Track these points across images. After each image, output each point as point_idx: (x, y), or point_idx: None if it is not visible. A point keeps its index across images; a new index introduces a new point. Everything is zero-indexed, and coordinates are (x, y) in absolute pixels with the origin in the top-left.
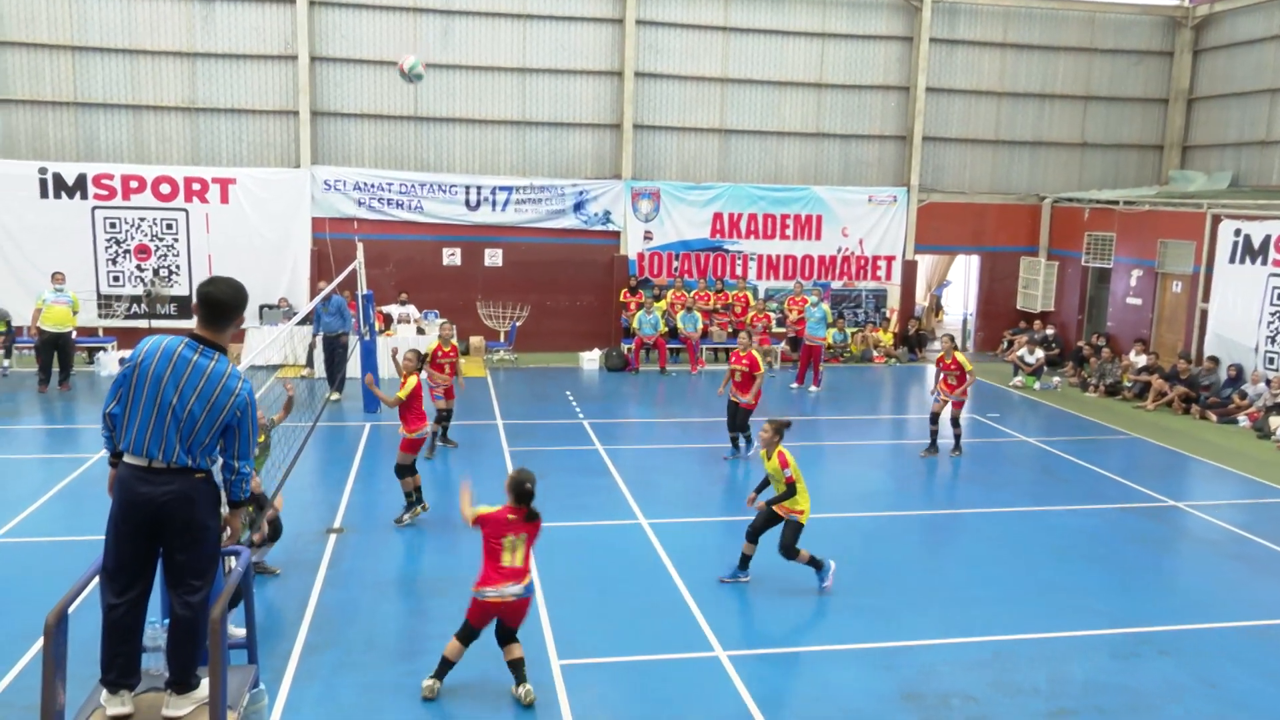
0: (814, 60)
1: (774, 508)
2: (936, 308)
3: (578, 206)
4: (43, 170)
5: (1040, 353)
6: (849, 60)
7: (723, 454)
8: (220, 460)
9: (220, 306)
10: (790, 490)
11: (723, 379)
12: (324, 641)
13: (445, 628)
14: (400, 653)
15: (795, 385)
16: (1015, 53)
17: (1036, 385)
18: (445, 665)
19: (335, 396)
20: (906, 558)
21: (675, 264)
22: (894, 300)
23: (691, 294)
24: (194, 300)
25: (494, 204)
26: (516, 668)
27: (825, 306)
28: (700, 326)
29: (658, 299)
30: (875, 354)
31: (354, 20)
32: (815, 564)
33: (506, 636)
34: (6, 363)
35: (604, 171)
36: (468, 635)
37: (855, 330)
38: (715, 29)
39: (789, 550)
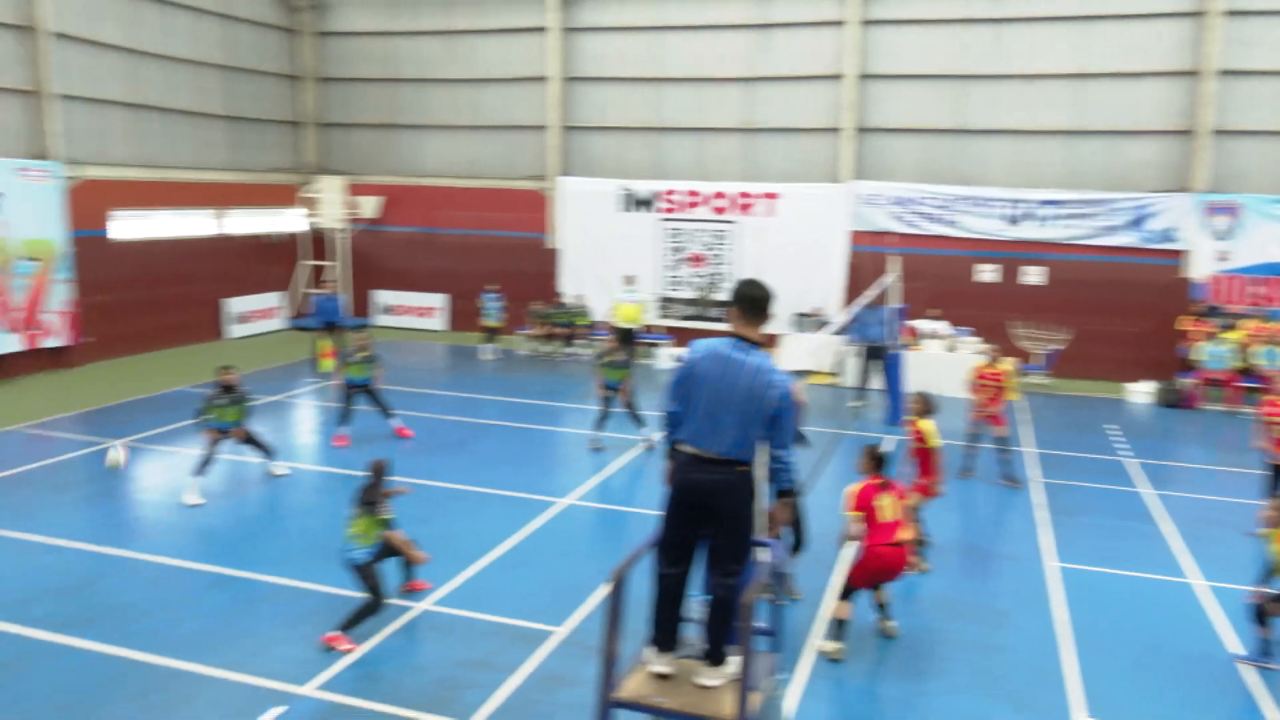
0: None
1: None
2: None
3: (1135, 222)
4: (622, 187)
5: None
6: None
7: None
8: (765, 451)
9: (756, 304)
10: None
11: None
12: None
13: (962, 653)
14: (912, 671)
15: None
16: None
17: None
18: (839, 625)
19: (858, 403)
20: None
21: (1256, 290)
22: None
23: (1276, 325)
24: (731, 301)
25: (1037, 219)
26: (885, 607)
27: None
28: None
29: (1229, 329)
30: None
31: (902, 36)
32: None
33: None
34: (588, 351)
35: (1168, 184)
36: (849, 593)
37: None
38: None
39: None
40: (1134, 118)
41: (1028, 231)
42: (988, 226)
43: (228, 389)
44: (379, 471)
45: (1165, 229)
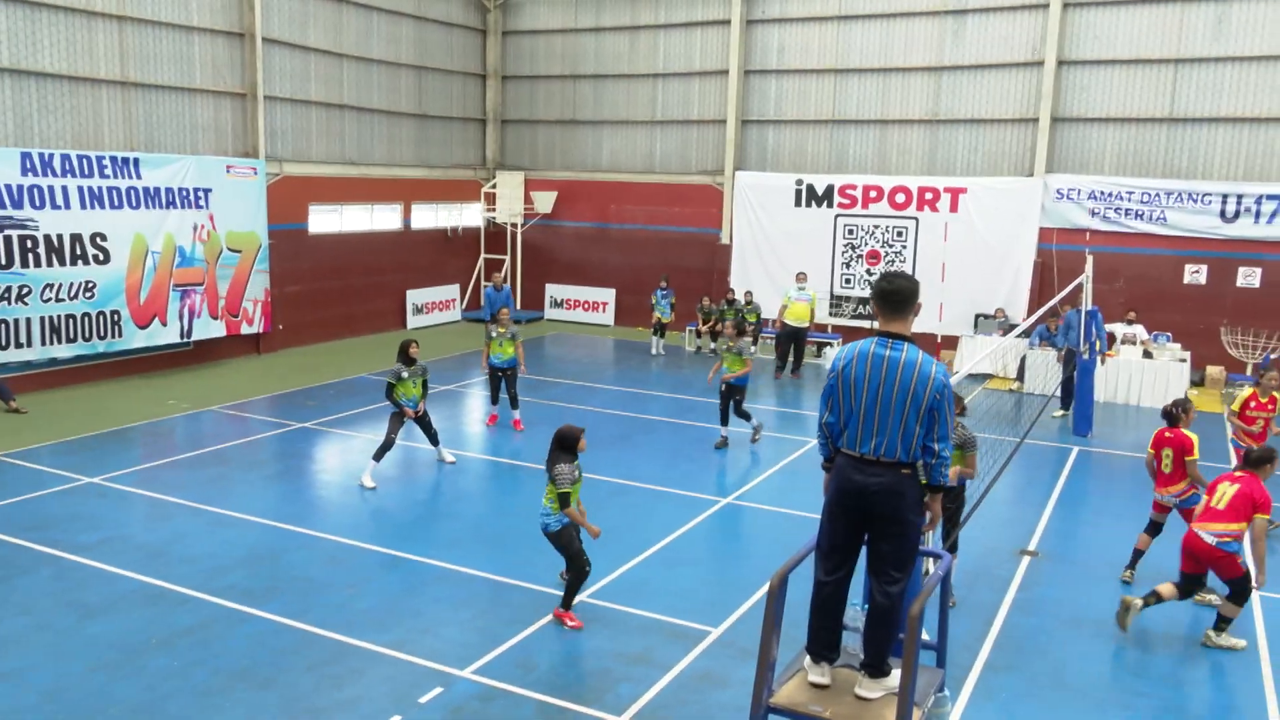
0: None
1: None
2: None
3: None
4: (798, 181)
5: None
6: None
7: None
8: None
9: (895, 297)
10: None
11: None
12: (1006, 664)
13: (1151, 685)
14: (1091, 700)
15: None
16: None
17: None
18: (1154, 596)
19: (1062, 414)
20: None
21: None
22: None
23: None
24: (872, 298)
25: (1257, 215)
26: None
27: None
28: None
29: None
30: None
31: (1110, 19)
32: None
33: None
34: (753, 348)
35: None
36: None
37: None
38: None
39: None
40: None
41: (1245, 229)
42: (1199, 223)
43: (411, 361)
44: (558, 439)
45: None
